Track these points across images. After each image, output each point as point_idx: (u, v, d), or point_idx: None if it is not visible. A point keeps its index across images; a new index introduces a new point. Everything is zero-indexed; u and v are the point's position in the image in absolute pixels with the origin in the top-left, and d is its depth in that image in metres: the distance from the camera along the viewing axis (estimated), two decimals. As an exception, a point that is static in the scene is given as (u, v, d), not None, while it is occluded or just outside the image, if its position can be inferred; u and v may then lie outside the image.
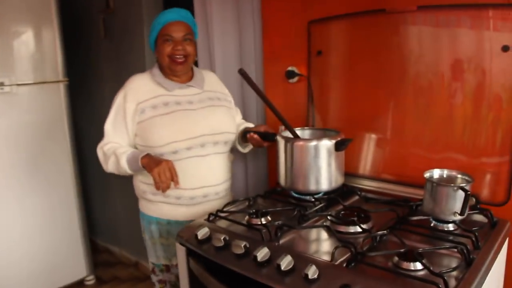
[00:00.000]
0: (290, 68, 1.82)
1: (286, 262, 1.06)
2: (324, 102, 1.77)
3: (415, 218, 1.33)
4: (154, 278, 1.80)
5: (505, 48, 1.32)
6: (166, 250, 1.71)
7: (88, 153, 3.13)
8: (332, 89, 1.74)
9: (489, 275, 1.09)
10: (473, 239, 1.17)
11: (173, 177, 1.46)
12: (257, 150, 2.05)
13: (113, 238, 3.28)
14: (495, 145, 1.38)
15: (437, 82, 1.46)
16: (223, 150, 1.68)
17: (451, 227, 1.29)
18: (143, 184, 1.67)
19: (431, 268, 1.01)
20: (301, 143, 1.49)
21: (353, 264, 1.07)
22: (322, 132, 1.65)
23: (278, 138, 1.56)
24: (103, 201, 3.27)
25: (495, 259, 1.17)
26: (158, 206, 1.66)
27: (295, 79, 1.82)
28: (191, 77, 1.69)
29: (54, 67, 2.51)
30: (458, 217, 1.26)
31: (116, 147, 1.59)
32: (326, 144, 1.47)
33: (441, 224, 1.30)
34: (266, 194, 1.62)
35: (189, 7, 2.24)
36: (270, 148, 2.01)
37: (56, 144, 2.58)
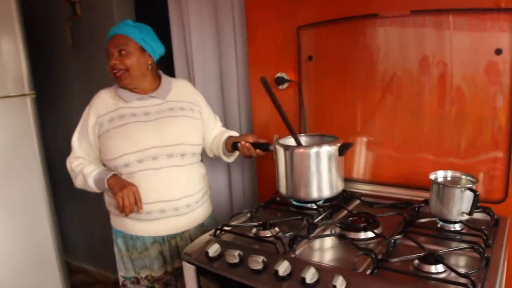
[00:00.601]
0: (279, 75, 1.80)
1: (310, 275, 1.04)
2: (315, 107, 1.75)
3: (422, 220, 1.34)
4: None
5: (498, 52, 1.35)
6: (133, 263, 1.68)
7: (58, 169, 2.98)
8: (324, 95, 1.73)
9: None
10: (484, 237, 1.19)
11: (137, 202, 1.50)
12: (239, 160, 2.02)
13: (88, 257, 3.13)
14: (492, 143, 1.41)
15: (429, 86, 1.48)
16: (181, 163, 1.60)
17: (457, 227, 1.31)
18: (108, 197, 1.66)
19: (457, 270, 1.01)
20: (301, 150, 1.47)
21: (376, 271, 1.06)
22: (319, 138, 1.64)
23: (277, 146, 1.53)
24: (75, 219, 3.11)
25: (505, 257, 1.19)
26: (121, 220, 1.64)
27: (285, 85, 1.80)
28: (157, 87, 1.65)
29: (18, 80, 2.35)
30: (465, 217, 1.28)
31: (83, 166, 1.61)
32: (327, 150, 1.45)
33: (447, 225, 1.32)
34: (266, 204, 1.58)
35: (164, 12, 2.21)
36: (260, 157, 1.99)
37: (25, 160, 2.42)
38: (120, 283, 1.74)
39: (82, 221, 3.05)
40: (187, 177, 1.62)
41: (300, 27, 1.70)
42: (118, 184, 1.50)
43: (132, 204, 1.49)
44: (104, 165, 1.64)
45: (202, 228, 1.71)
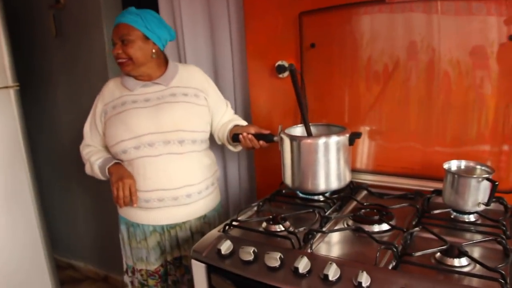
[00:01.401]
0: (280, 63, 1.74)
1: (333, 271, 0.99)
2: (318, 96, 1.70)
3: (436, 211, 1.30)
4: (127, 279, 1.73)
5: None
6: (132, 252, 1.66)
7: (43, 163, 2.87)
8: (327, 83, 1.67)
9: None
10: (503, 228, 1.17)
11: (132, 196, 1.49)
12: (233, 153, 1.96)
13: (76, 252, 3.03)
14: (504, 132, 1.39)
15: (443, 72, 1.44)
16: (179, 151, 1.53)
17: (472, 218, 1.29)
18: None
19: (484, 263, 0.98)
20: (309, 141, 1.42)
21: (399, 266, 1.02)
22: (325, 128, 1.59)
23: (283, 136, 1.47)
24: (62, 214, 3.00)
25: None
26: (125, 207, 1.59)
27: (286, 73, 1.74)
28: (162, 73, 1.61)
29: (1, 72, 2.22)
30: (481, 208, 1.25)
31: (91, 155, 1.64)
32: (336, 140, 1.41)
33: (462, 215, 1.29)
34: (272, 197, 1.53)
35: (153, -1, 2.11)
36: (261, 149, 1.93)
37: (9, 153, 2.29)
38: (124, 269, 1.74)
39: (70, 216, 2.95)
40: (187, 166, 1.56)
41: (303, 13, 1.64)
42: (117, 174, 1.51)
43: (126, 197, 1.48)
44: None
45: (203, 220, 1.66)
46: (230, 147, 1.72)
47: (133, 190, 1.49)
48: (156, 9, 2.05)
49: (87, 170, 1.66)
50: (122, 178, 1.48)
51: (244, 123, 1.72)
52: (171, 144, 1.52)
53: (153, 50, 1.54)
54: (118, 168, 1.53)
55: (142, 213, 1.58)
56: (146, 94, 1.57)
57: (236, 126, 1.67)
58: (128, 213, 1.62)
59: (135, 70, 1.54)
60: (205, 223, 1.67)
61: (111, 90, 1.62)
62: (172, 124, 1.52)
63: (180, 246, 1.64)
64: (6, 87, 2.26)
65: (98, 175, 1.60)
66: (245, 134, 1.55)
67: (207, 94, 1.65)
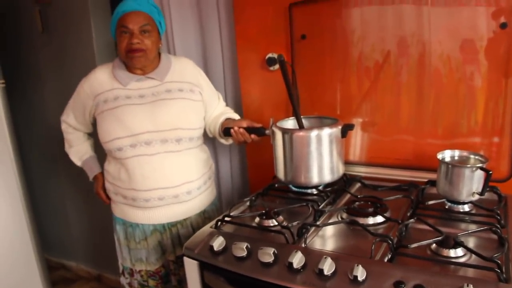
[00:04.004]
0: (270, 55, 1.71)
1: (328, 265, 0.97)
2: (309, 88, 1.68)
3: (431, 202, 1.29)
4: (124, 281, 1.69)
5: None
6: (130, 253, 1.63)
7: (32, 161, 2.83)
8: (318, 75, 1.65)
9: None
10: (498, 217, 1.16)
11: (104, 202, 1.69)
12: (227, 145, 1.93)
13: (67, 252, 2.99)
14: (498, 122, 1.38)
15: (436, 63, 1.43)
16: (177, 149, 1.50)
17: (466, 207, 1.28)
18: (107, 182, 1.63)
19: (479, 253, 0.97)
20: (301, 133, 1.40)
21: (394, 258, 1.01)
22: (317, 120, 1.57)
23: (275, 130, 1.45)
24: (52, 212, 2.96)
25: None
26: (119, 207, 1.59)
27: (277, 66, 1.71)
28: (155, 67, 1.55)
29: (-14, 69, 2.19)
30: (476, 197, 1.24)
31: (70, 138, 1.73)
32: (329, 132, 1.38)
33: (456, 206, 1.28)
34: (265, 191, 1.51)
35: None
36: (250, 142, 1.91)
37: (-4, 154, 2.26)
38: (120, 271, 1.69)
39: (60, 214, 2.90)
40: (185, 163, 1.53)
41: (293, 4, 1.62)
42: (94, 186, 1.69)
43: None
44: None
45: (203, 215, 1.64)
46: (222, 140, 1.70)
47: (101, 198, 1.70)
48: None
49: (66, 149, 1.75)
50: (95, 191, 1.69)
51: (236, 116, 1.70)
52: (169, 143, 1.48)
53: (160, 45, 1.53)
54: (94, 183, 1.71)
55: (142, 212, 1.54)
56: (140, 89, 1.51)
57: (228, 119, 1.65)
58: (126, 214, 1.57)
59: (144, 64, 1.49)
60: (205, 218, 1.65)
61: (100, 80, 1.53)
62: (170, 122, 1.48)
63: (182, 243, 1.60)
64: (-8, 84, 2.21)
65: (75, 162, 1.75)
66: (236, 128, 1.52)
67: (201, 89, 1.62)
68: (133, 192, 1.50)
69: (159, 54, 1.58)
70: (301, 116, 1.49)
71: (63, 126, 1.71)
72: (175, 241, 1.60)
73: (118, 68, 1.52)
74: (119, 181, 1.53)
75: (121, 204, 1.58)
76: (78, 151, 1.73)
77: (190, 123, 1.53)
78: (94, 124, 1.64)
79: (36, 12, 2.43)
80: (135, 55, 1.44)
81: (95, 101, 1.52)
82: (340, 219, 1.26)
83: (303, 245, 1.10)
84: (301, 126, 1.46)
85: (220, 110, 1.71)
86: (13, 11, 2.61)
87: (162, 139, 1.47)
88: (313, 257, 1.02)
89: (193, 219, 1.60)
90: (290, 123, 1.55)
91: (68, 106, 1.67)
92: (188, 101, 1.55)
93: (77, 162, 1.73)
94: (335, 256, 1.01)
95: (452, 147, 1.38)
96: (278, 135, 1.44)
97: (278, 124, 1.50)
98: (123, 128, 1.45)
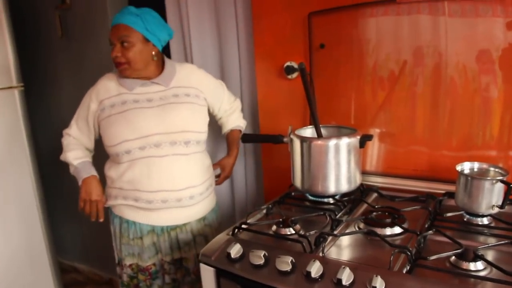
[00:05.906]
0: (288, 64, 1.72)
1: (346, 275, 0.97)
2: (327, 97, 1.68)
3: (449, 214, 1.28)
4: (120, 271, 1.70)
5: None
6: (121, 247, 1.64)
7: (48, 165, 2.85)
8: (336, 84, 1.65)
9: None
10: (519, 231, 1.15)
11: (98, 213, 1.55)
12: (242, 152, 1.96)
13: (80, 255, 3.01)
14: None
15: (452, 73, 1.42)
16: (185, 152, 1.53)
17: (485, 220, 1.26)
18: (108, 188, 1.63)
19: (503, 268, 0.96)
20: (320, 142, 1.40)
21: (413, 270, 1.00)
22: (336, 129, 1.57)
23: (293, 138, 1.45)
24: (65, 216, 2.98)
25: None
26: (118, 207, 1.60)
27: (295, 74, 1.72)
28: (160, 73, 1.59)
29: (6, 72, 2.21)
30: (495, 210, 1.23)
31: (71, 147, 1.63)
32: (347, 142, 1.39)
33: (475, 218, 1.27)
34: (281, 199, 1.51)
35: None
36: (266, 149, 1.91)
37: (14, 156, 2.28)
38: (116, 261, 1.71)
39: (73, 219, 2.93)
40: (191, 167, 1.55)
41: (312, 14, 1.62)
42: (87, 189, 1.54)
43: (92, 215, 1.55)
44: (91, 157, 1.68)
45: (203, 222, 1.66)
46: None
47: (100, 207, 1.55)
48: (162, 8, 2.04)
49: (62, 157, 1.64)
50: (91, 196, 1.53)
51: (241, 121, 1.81)
52: (177, 145, 1.51)
53: (153, 53, 1.53)
54: (90, 183, 1.55)
55: (143, 213, 1.55)
56: (147, 94, 1.54)
57: (231, 131, 1.80)
58: (124, 212, 1.58)
59: (133, 74, 1.52)
60: (205, 225, 1.66)
61: (106, 86, 1.56)
62: (179, 125, 1.51)
63: (180, 248, 1.62)
64: (11, 87, 2.24)
65: (71, 170, 1.62)
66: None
67: (206, 94, 1.65)
68: (136, 192, 1.51)
69: (163, 61, 1.61)
70: (321, 126, 1.50)
71: (64, 139, 1.66)
72: (173, 245, 1.61)
73: (123, 77, 1.56)
74: (121, 183, 1.53)
75: (120, 206, 1.58)
76: (77, 154, 1.63)
77: (198, 126, 1.57)
78: (96, 141, 1.66)
79: (56, 17, 2.47)
80: (119, 68, 1.51)
81: (100, 106, 1.54)
82: (357, 229, 1.26)
83: (320, 254, 1.10)
84: (319, 135, 1.46)
85: (228, 105, 1.78)
86: (33, 16, 2.65)
87: (171, 141, 1.50)
88: (331, 266, 1.02)
89: (193, 224, 1.62)
90: (308, 131, 1.55)
91: (72, 120, 1.66)
92: (195, 105, 1.59)
93: (73, 161, 1.60)
94: (354, 266, 1.01)
95: (468, 159, 1.37)
96: (297, 143, 1.44)
97: (297, 132, 1.50)
98: (132, 130, 1.47)
